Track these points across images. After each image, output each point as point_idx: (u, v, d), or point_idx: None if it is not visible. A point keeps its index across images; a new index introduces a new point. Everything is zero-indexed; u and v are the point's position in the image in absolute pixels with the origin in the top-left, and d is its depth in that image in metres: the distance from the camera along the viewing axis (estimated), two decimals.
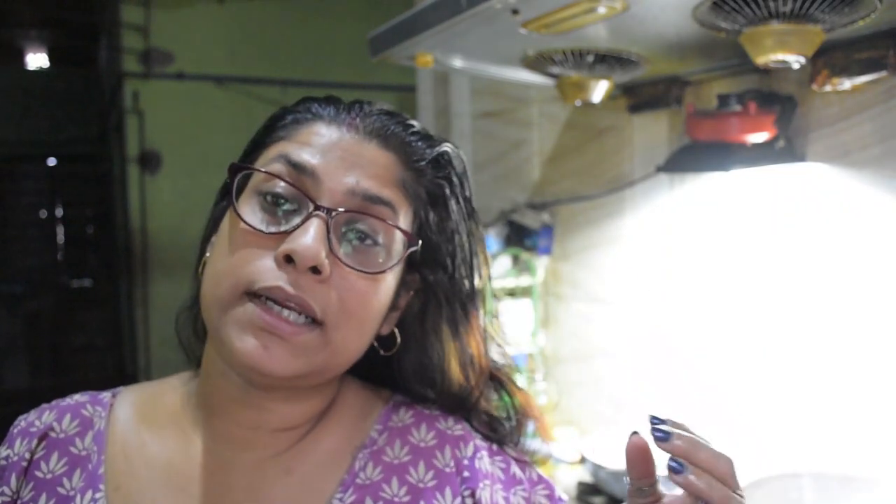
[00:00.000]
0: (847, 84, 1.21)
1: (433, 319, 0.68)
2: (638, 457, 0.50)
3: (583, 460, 1.50)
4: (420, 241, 0.65)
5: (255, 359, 0.57)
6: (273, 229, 0.59)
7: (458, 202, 0.68)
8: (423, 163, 0.66)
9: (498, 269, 1.95)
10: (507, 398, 0.73)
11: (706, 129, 1.33)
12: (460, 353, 0.69)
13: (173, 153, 4.51)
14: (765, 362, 1.45)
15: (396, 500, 0.63)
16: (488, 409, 0.71)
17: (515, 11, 1.10)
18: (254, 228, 0.59)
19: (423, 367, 0.69)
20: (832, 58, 1.19)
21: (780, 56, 1.07)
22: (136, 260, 4.08)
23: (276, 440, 0.65)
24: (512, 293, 2.00)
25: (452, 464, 0.66)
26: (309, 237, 0.57)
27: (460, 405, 0.70)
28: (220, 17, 4.51)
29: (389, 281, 0.63)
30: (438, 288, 0.67)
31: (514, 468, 0.69)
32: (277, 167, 0.61)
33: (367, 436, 0.68)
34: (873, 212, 1.26)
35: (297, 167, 0.60)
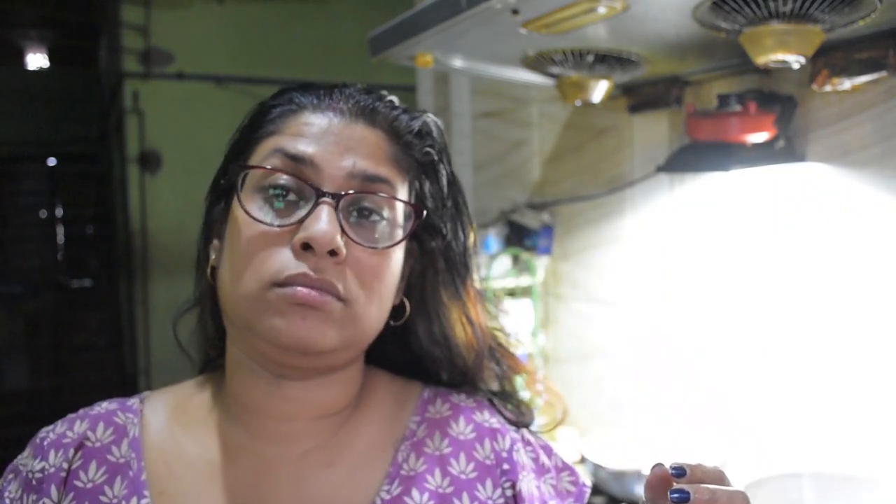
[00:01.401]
0: (847, 84, 1.21)
1: (433, 284, 0.71)
2: (659, 485, 0.50)
3: (583, 460, 1.50)
4: (418, 206, 0.67)
5: (298, 334, 0.59)
6: (285, 222, 0.61)
7: (445, 168, 0.71)
8: (410, 135, 0.68)
9: (498, 269, 1.95)
10: (508, 368, 0.75)
11: (706, 129, 1.33)
12: (462, 314, 0.72)
13: (173, 153, 4.51)
14: (765, 362, 1.45)
15: (440, 490, 0.65)
16: (510, 391, 0.74)
17: (515, 11, 1.10)
18: (266, 224, 0.60)
19: (431, 334, 0.72)
20: (832, 58, 1.19)
21: (780, 56, 1.06)
22: (136, 260, 4.08)
23: (313, 431, 0.66)
24: (512, 293, 2.00)
25: (493, 456, 0.68)
26: (323, 223, 0.59)
27: (470, 370, 0.72)
28: (220, 17, 4.51)
29: (398, 253, 0.66)
30: (437, 253, 0.70)
31: (543, 457, 0.71)
32: (275, 161, 0.62)
33: (406, 427, 0.69)
34: (873, 212, 1.26)
35: (296, 159, 0.62)
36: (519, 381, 0.77)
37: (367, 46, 1.39)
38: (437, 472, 0.66)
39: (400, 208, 0.65)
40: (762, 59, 1.08)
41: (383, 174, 0.64)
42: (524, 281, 1.97)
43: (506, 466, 0.67)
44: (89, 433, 0.67)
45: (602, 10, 1.06)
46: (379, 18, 1.44)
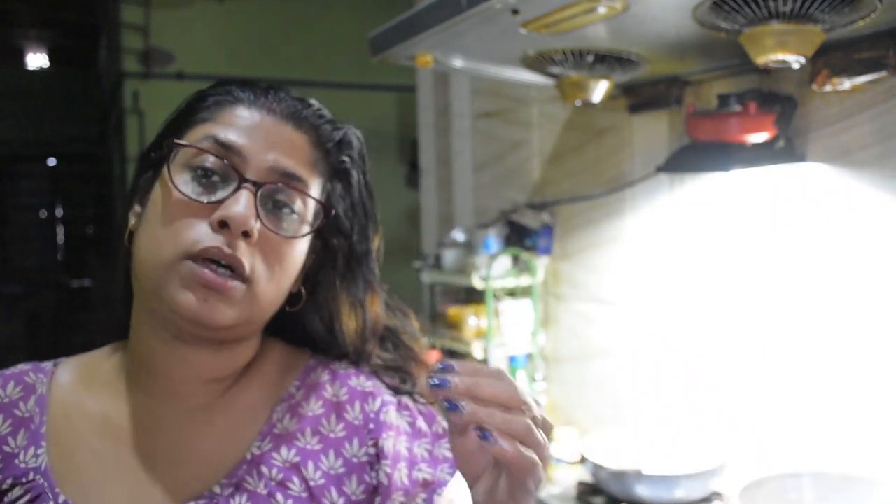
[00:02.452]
0: (847, 84, 1.21)
1: (329, 277, 0.77)
2: (442, 396, 0.56)
3: (583, 460, 1.50)
4: (328, 207, 0.74)
5: (197, 311, 0.65)
6: (207, 199, 0.67)
7: (358, 178, 0.78)
8: (330, 144, 0.75)
9: (498, 269, 1.95)
10: (403, 356, 0.81)
11: (706, 129, 1.33)
12: (354, 306, 0.78)
13: None
14: (765, 362, 1.45)
15: (308, 447, 0.72)
16: (393, 363, 0.80)
17: (515, 11, 1.10)
18: (190, 199, 0.66)
19: (320, 319, 0.78)
20: (832, 58, 1.19)
21: (780, 56, 1.07)
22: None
23: (201, 392, 0.72)
24: (512, 293, 2.00)
25: (361, 417, 0.74)
26: (241, 206, 0.65)
27: (357, 353, 0.79)
28: (220, 17, 4.51)
29: (303, 244, 0.72)
30: (339, 251, 0.77)
31: (420, 422, 0.76)
32: (207, 146, 0.68)
33: (286, 391, 0.76)
34: (873, 212, 1.26)
35: (225, 146, 0.68)
36: None
37: (367, 46, 1.40)
38: (308, 431, 0.72)
39: (311, 206, 0.72)
40: (762, 59, 1.08)
41: (301, 173, 0.70)
42: (524, 281, 1.97)
43: (372, 426, 0.73)
44: (0, 391, 0.74)
45: (602, 10, 1.06)
46: (379, 18, 1.45)
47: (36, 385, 0.75)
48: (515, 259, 1.98)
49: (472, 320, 1.98)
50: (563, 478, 1.67)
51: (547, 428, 0.56)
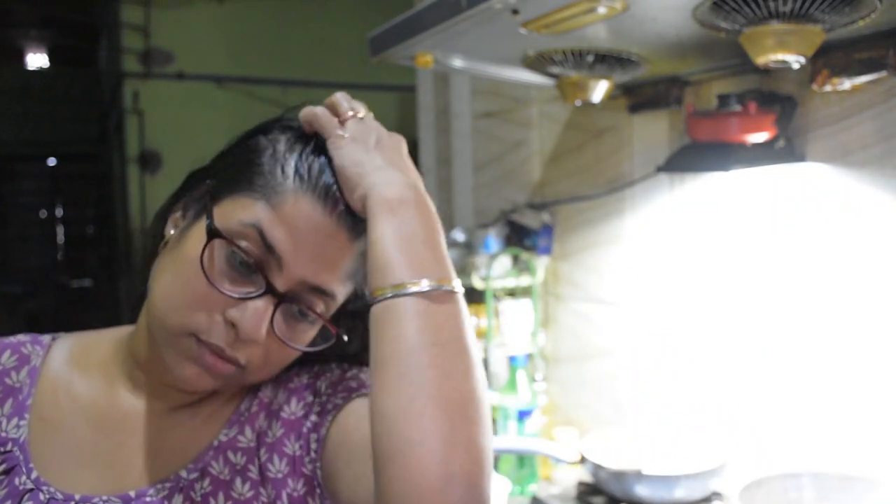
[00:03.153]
0: (847, 84, 1.21)
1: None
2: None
3: (583, 460, 1.50)
4: (339, 332, 0.73)
5: (188, 383, 0.69)
6: (229, 289, 0.66)
7: None
8: None
9: (498, 269, 1.95)
10: None
11: (706, 129, 1.33)
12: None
13: (173, 153, 4.51)
14: (765, 362, 1.45)
15: (263, 428, 0.74)
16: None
17: (515, 11, 1.10)
18: (214, 287, 0.66)
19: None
20: (832, 58, 1.19)
21: (780, 56, 1.07)
22: (143, 254, 4.09)
23: (185, 397, 0.75)
24: (512, 293, 2.00)
25: (305, 380, 0.76)
26: (256, 318, 0.66)
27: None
28: (220, 17, 4.51)
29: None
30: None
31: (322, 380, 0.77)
32: (250, 233, 0.66)
33: (259, 388, 0.78)
34: (873, 212, 1.26)
35: (268, 247, 0.66)
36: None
37: (367, 46, 1.40)
38: (262, 415, 0.75)
39: (332, 307, 0.71)
40: (762, 59, 1.08)
41: (333, 290, 0.69)
42: (524, 281, 1.97)
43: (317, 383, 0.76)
44: None
45: (602, 10, 1.06)
46: (379, 18, 1.45)
47: (31, 357, 0.76)
48: (515, 259, 1.98)
49: (472, 320, 1.98)
50: (563, 478, 1.67)
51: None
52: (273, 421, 0.74)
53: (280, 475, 0.71)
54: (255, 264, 0.66)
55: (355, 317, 0.77)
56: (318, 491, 0.71)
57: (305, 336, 0.72)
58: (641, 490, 1.39)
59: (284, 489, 0.71)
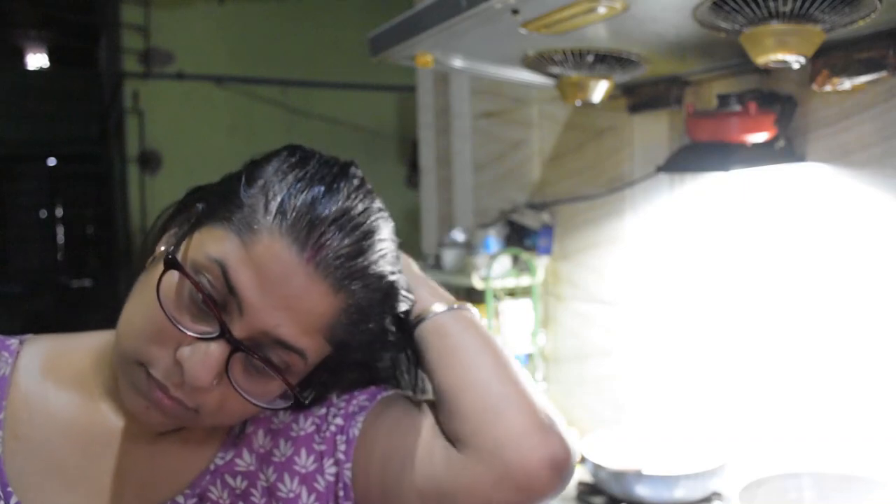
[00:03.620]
0: (847, 84, 1.21)
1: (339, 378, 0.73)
2: None
3: (583, 460, 1.50)
4: (306, 393, 0.68)
5: (137, 414, 0.63)
6: (185, 330, 0.59)
7: (381, 335, 0.68)
8: (362, 323, 0.64)
9: (498, 269, 1.95)
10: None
11: (706, 129, 1.33)
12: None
13: (173, 153, 4.51)
14: (765, 362, 1.45)
15: (263, 450, 0.70)
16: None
17: (515, 11, 1.10)
18: (170, 319, 0.59)
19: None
20: (832, 58, 1.19)
21: (780, 56, 1.06)
22: (136, 260, 4.08)
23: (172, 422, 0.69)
24: (512, 293, 2.00)
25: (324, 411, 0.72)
26: (203, 361, 0.58)
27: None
28: (220, 17, 4.51)
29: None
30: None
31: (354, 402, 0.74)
32: (213, 269, 0.59)
33: None
34: (873, 212, 1.26)
35: (230, 289, 0.59)
36: None
37: (367, 46, 1.40)
38: (260, 433, 0.71)
39: (299, 365, 0.62)
40: (762, 59, 1.08)
41: (301, 346, 0.61)
42: (524, 281, 1.97)
43: (337, 413, 0.72)
44: None
45: (602, 10, 1.06)
46: (379, 18, 1.45)
47: None
48: (515, 259, 1.98)
49: None
50: None
51: None
52: (280, 439, 0.70)
53: (292, 494, 0.68)
54: (211, 304, 0.58)
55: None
56: (340, 494, 0.68)
57: (267, 389, 0.63)
58: (641, 490, 1.39)
59: None
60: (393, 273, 0.65)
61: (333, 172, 0.63)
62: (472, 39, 1.26)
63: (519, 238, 2.04)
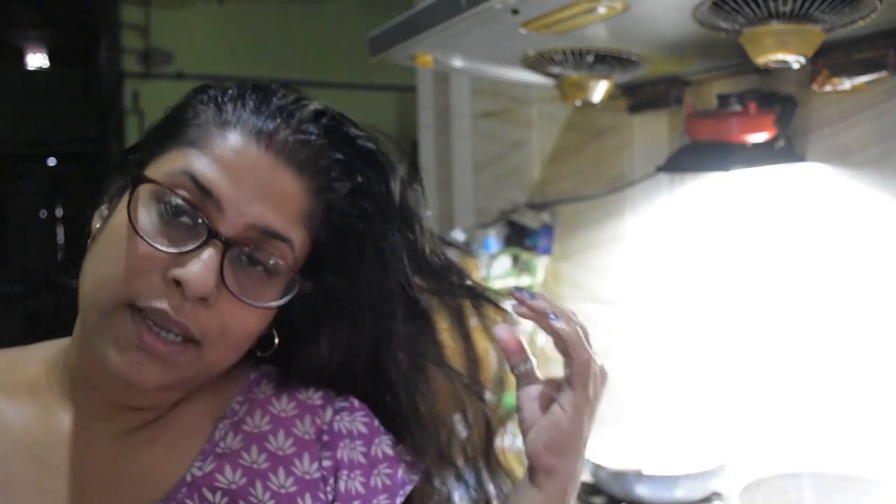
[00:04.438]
0: (847, 84, 1.21)
1: (330, 326, 0.68)
2: (512, 344, 0.64)
3: None
4: (312, 281, 0.64)
5: (127, 374, 0.57)
6: (167, 246, 0.57)
7: (368, 234, 0.66)
8: (335, 196, 0.64)
9: (498, 269, 1.95)
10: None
11: (706, 129, 1.33)
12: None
13: None
14: (765, 362, 1.45)
15: (255, 466, 0.65)
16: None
17: (515, 11, 1.10)
18: (149, 243, 0.57)
19: (312, 367, 0.70)
20: (832, 58, 1.19)
21: (780, 56, 1.07)
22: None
23: (139, 416, 0.65)
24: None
25: (312, 431, 0.67)
26: (202, 268, 0.56)
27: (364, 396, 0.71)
28: (220, 17, 4.51)
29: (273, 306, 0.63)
30: (338, 299, 0.67)
31: (377, 422, 0.70)
32: (182, 181, 0.58)
33: (228, 408, 0.68)
34: (873, 212, 1.26)
35: (203, 190, 0.58)
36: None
37: (367, 46, 1.39)
38: (254, 449, 0.65)
39: (290, 264, 0.62)
40: (762, 59, 1.08)
41: (286, 233, 0.60)
42: (524, 281, 1.97)
43: (325, 438, 0.67)
44: None
45: (602, 10, 1.06)
46: (379, 18, 1.45)
47: None
48: (515, 259, 1.98)
49: (472, 320, 1.98)
50: None
51: (603, 374, 0.70)
52: (256, 451, 0.65)
53: None
54: (192, 205, 0.57)
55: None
56: None
57: (263, 295, 0.61)
58: (641, 490, 1.39)
59: None
60: (360, 141, 0.65)
61: (273, 85, 0.65)
62: (472, 39, 1.26)
63: (519, 238, 2.04)
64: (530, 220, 2.01)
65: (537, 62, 1.38)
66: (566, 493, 0.66)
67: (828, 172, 1.32)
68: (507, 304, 0.62)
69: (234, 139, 0.59)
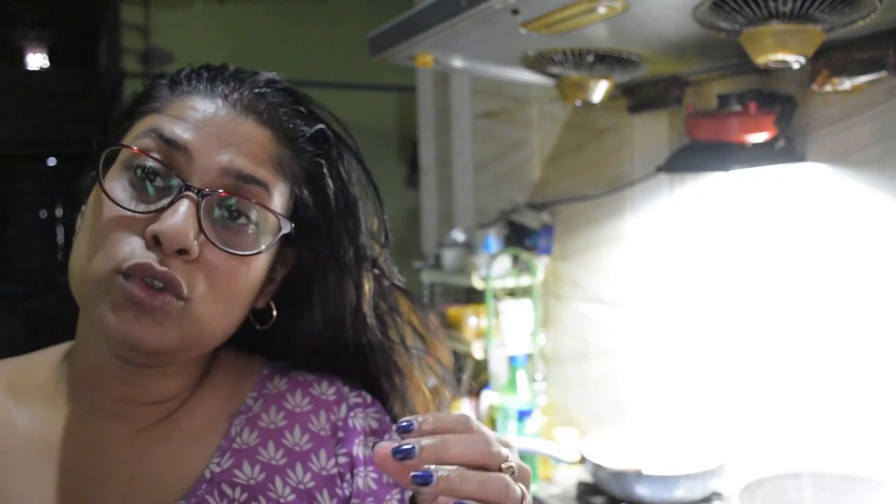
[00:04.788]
0: (847, 84, 1.21)
1: (320, 293, 0.69)
2: (392, 467, 0.46)
3: (583, 460, 1.50)
4: (293, 223, 0.64)
5: (127, 332, 0.57)
6: (142, 208, 0.58)
7: (338, 179, 0.68)
8: (301, 140, 0.66)
9: (498, 269, 1.95)
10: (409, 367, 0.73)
11: (706, 129, 1.33)
12: (353, 322, 0.70)
13: None
14: (765, 362, 1.45)
15: (273, 462, 0.65)
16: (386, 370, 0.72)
17: (515, 11, 1.10)
18: (123, 208, 0.58)
19: (309, 339, 0.70)
20: (832, 58, 1.19)
21: (780, 56, 1.07)
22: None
23: (150, 413, 0.65)
24: (512, 293, 2.00)
25: (328, 427, 0.67)
26: (178, 219, 0.57)
27: (355, 372, 0.71)
28: (220, 17, 4.51)
29: (262, 258, 0.63)
30: (322, 264, 0.68)
31: (388, 417, 0.71)
32: (148, 142, 0.60)
33: (243, 403, 0.68)
34: (873, 212, 1.26)
35: (169, 143, 0.59)
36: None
37: (367, 46, 1.40)
38: (271, 445, 0.65)
39: (272, 215, 0.63)
40: (762, 59, 1.08)
41: (260, 176, 0.61)
42: (524, 281, 1.97)
43: (341, 434, 0.67)
44: None
45: (602, 10, 1.06)
46: (379, 18, 1.45)
47: None
48: (515, 259, 1.98)
49: (473, 320, 1.98)
50: (563, 478, 1.67)
51: (525, 476, 0.50)
52: (273, 447, 0.65)
53: (290, 500, 0.64)
54: (161, 160, 0.59)
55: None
56: None
57: (248, 246, 0.61)
58: (641, 490, 1.39)
59: None
60: (307, 109, 0.67)
61: (226, 63, 0.69)
62: (472, 39, 1.26)
63: (519, 238, 2.04)
64: (530, 220, 2.01)
65: (537, 62, 1.38)
66: None
67: (828, 172, 1.32)
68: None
69: (194, 100, 0.62)
